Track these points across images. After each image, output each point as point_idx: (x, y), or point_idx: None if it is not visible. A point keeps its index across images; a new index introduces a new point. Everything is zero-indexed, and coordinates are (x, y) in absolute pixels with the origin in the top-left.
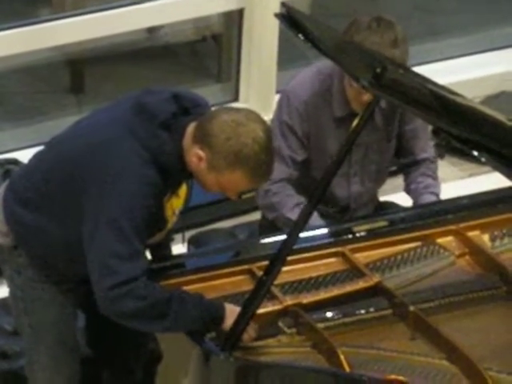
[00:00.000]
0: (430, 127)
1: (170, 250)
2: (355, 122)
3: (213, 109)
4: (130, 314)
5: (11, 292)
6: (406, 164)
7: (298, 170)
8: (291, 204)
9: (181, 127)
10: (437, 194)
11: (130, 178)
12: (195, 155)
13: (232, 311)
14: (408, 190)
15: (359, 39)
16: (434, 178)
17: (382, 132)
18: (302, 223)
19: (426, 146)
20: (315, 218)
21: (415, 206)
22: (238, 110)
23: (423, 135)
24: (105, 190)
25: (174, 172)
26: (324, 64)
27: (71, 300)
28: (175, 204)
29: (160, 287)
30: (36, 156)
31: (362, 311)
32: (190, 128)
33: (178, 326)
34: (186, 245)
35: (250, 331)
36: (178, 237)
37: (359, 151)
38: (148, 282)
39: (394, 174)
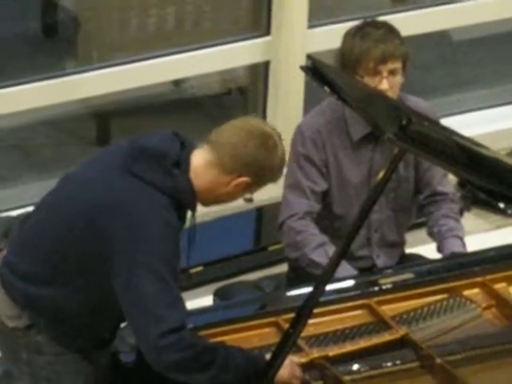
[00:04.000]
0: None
1: None
2: (381, 174)
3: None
4: (177, 364)
5: (32, 376)
6: (426, 199)
7: (318, 202)
8: (314, 244)
9: (186, 161)
10: (461, 238)
11: (156, 224)
12: (234, 181)
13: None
14: (431, 233)
15: (358, 39)
16: (457, 219)
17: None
18: (329, 276)
19: (443, 179)
20: (347, 268)
21: (441, 258)
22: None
23: (439, 168)
24: (134, 241)
25: (188, 206)
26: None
27: (96, 365)
28: None
29: (204, 340)
30: (27, 225)
31: (389, 363)
32: (195, 158)
33: (221, 379)
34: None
35: (298, 372)
36: (206, 289)
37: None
38: (192, 331)
39: (418, 226)
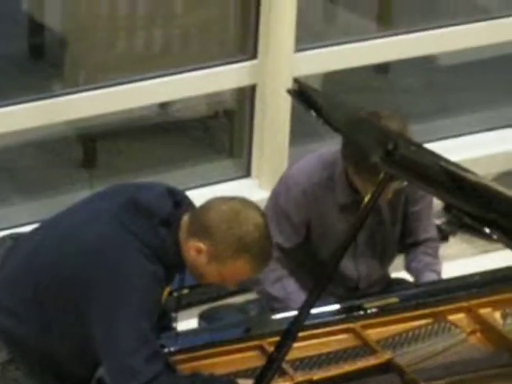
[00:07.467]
0: (435, 208)
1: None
2: (366, 199)
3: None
4: None
5: None
6: (408, 244)
7: (284, 255)
8: (273, 278)
9: (177, 221)
10: (437, 272)
11: (140, 277)
12: (194, 248)
13: None
14: (408, 268)
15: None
16: (435, 256)
17: (387, 215)
18: (313, 300)
19: (428, 226)
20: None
21: (426, 282)
22: (232, 198)
23: (426, 217)
24: (116, 293)
25: (174, 266)
26: (328, 151)
27: None
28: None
29: (181, 375)
30: (13, 261)
31: None
32: (184, 220)
33: None
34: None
35: None
36: (190, 312)
37: (364, 233)
38: (170, 373)
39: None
